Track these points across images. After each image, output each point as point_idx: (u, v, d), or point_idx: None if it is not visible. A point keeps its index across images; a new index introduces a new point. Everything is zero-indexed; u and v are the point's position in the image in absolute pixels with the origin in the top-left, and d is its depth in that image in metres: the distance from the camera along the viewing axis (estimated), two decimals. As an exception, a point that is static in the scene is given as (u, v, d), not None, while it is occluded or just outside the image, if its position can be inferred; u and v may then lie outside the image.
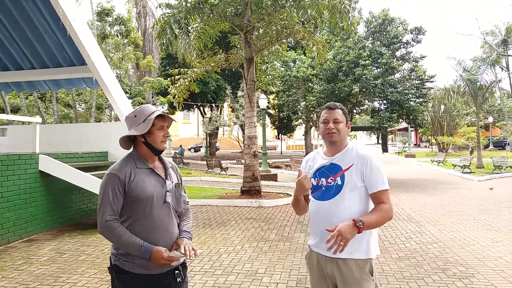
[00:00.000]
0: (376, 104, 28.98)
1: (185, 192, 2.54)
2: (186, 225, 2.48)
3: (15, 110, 23.47)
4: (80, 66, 10.06)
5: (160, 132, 2.33)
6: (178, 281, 2.33)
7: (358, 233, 2.23)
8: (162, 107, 29.63)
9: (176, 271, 2.33)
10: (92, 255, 6.20)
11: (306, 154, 36.00)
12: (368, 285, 2.31)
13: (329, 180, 2.41)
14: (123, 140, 2.36)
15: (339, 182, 2.37)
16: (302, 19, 14.01)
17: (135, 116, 2.34)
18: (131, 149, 2.40)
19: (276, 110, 37.84)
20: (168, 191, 2.36)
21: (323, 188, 2.43)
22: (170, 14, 12.07)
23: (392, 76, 25.98)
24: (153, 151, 2.36)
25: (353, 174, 2.36)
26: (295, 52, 28.14)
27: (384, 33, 29.55)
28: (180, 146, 32.88)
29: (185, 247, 2.29)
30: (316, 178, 2.48)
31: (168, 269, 2.29)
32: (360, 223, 2.20)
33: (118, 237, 2.19)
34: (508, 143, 37.06)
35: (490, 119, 38.94)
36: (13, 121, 17.72)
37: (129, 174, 2.25)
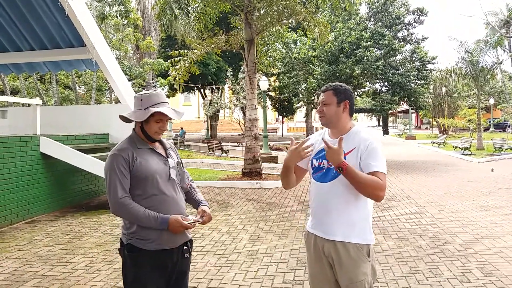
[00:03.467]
0: (377, 86, 28.90)
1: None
2: (199, 195, 2.62)
3: (15, 92, 23.40)
4: (79, 47, 9.98)
5: (156, 124, 2.38)
6: (186, 257, 2.43)
7: (338, 168, 2.21)
8: (163, 89, 29.48)
9: (185, 247, 2.43)
10: (95, 235, 6.27)
11: (307, 136, 36.13)
12: (365, 265, 2.32)
13: (331, 163, 2.38)
14: (122, 117, 2.44)
15: None
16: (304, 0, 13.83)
17: (141, 100, 2.38)
18: (131, 132, 2.46)
19: (277, 92, 37.68)
20: (171, 167, 2.43)
21: (324, 170, 2.42)
22: (170, -6, 11.92)
23: (394, 58, 25.82)
24: (147, 138, 2.43)
25: (354, 157, 2.34)
26: (296, 34, 27.89)
27: (386, 14, 29.29)
28: (181, 128, 32.86)
29: (206, 216, 2.45)
30: (318, 160, 2.47)
31: (180, 243, 2.38)
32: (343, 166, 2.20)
33: (134, 212, 2.24)
34: (509, 125, 36.99)
35: (491, 101, 38.79)
36: (13, 103, 17.69)
37: (132, 154, 2.31)
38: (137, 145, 2.36)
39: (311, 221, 2.52)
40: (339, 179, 2.34)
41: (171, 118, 2.41)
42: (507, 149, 20.45)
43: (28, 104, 10.67)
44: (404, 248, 5.50)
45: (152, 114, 2.32)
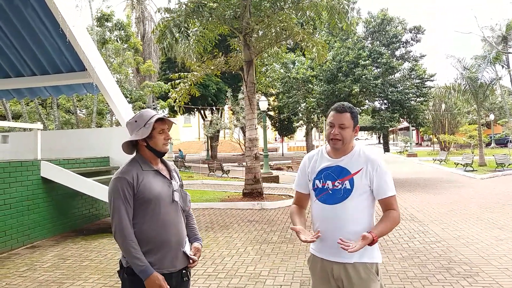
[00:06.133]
0: (376, 104, 28.97)
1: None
2: (196, 229, 2.62)
3: (17, 117, 23.51)
4: (80, 72, 10.07)
5: (161, 135, 2.38)
6: (184, 280, 2.42)
7: (370, 245, 2.23)
8: (163, 111, 29.67)
9: (184, 271, 2.41)
10: (96, 260, 6.20)
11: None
12: (375, 285, 2.31)
13: (336, 184, 2.36)
14: (126, 146, 2.40)
15: (348, 186, 2.33)
16: (301, 21, 14.02)
17: (136, 121, 2.38)
18: (135, 153, 2.44)
19: (277, 112, 37.83)
20: (175, 190, 2.42)
21: (329, 191, 2.38)
22: (170, 18, 12.08)
23: (392, 76, 25.98)
24: (156, 154, 2.41)
25: (363, 178, 2.33)
26: (294, 54, 28.15)
27: (383, 32, 29.60)
28: (180, 150, 33.06)
29: (197, 254, 2.49)
30: (322, 180, 2.42)
31: (179, 267, 2.38)
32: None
33: (127, 247, 2.22)
34: (510, 141, 36.99)
35: (492, 117, 38.87)
36: (15, 128, 17.75)
37: (136, 177, 2.29)
38: (142, 167, 2.34)
39: (316, 244, 2.46)
40: (348, 200, 2.33)
41: (172, 123, 2.43)
42: (509, 164, 20.39)
43: (30, 128, 10.69)
44: (409, 268, 5.42)
45: (154, 127, 2.33)
